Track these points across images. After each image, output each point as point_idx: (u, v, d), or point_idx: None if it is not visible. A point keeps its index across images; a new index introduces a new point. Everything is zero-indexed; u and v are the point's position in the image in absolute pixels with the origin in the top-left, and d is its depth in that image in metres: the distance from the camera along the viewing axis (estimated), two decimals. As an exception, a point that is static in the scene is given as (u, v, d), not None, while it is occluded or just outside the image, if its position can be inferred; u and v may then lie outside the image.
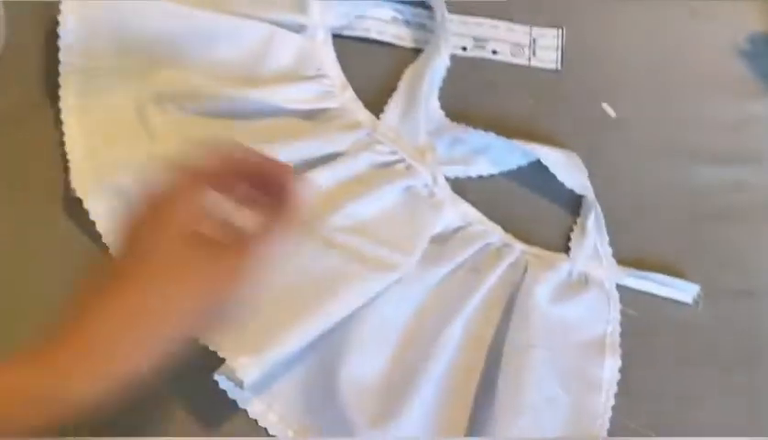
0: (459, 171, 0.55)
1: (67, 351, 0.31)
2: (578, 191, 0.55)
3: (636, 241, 0.55)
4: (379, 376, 0.47)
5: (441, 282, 0.50)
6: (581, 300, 0.52)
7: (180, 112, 0.50)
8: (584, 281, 0.53)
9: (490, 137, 0.54)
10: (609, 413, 0.50)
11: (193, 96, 0.50)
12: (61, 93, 0.49)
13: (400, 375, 0.47)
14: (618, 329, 0.52)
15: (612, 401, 0.50)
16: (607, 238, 0.54)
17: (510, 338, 0.49)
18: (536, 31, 0.61)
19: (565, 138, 0.57)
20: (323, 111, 0.53)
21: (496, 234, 0.53)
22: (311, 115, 0.52)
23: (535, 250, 0.53)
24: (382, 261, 0.48)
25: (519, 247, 0.53)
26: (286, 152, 0.47)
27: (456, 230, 0.52)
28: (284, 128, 0.51)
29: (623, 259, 0.54)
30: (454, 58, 0.57)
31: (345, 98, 0.53)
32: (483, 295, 0.50)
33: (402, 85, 0.55)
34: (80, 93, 0.49)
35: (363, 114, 0.53)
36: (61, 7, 0.49)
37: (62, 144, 0.48)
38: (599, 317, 0.52)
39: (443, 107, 0.56)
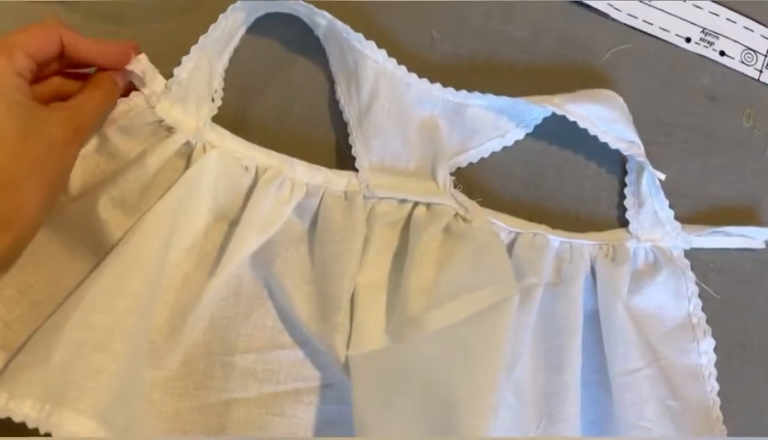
0: (485, 151, 0.47)
1: None
2: (624, 151, 0.46)
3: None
4: None
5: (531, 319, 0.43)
6: (656, 283, 0.45)
7: None
8: (652, 262, 0.46)
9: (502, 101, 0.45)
10: (719, 402, 0.45)
11: None
12: None
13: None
14: (699, 303, 0.46)
15: (717, 387, 0.45)
16: (666, 201, 0.46)
17: (611, 363, 0.43)
18: None
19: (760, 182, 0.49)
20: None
21: (545, 233, 0.45)
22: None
23: (594, 237, 0.46)
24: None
25: (578, 241, 0.45)
26: None
27: (511, 246, 0.44)
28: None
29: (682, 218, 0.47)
30: (676, 49, 0.47)
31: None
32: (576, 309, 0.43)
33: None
34: None
35: (339, 178, 0.43)
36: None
37: None
38: (678, 295, 0.46)
39: (641, 111, 0.46)
